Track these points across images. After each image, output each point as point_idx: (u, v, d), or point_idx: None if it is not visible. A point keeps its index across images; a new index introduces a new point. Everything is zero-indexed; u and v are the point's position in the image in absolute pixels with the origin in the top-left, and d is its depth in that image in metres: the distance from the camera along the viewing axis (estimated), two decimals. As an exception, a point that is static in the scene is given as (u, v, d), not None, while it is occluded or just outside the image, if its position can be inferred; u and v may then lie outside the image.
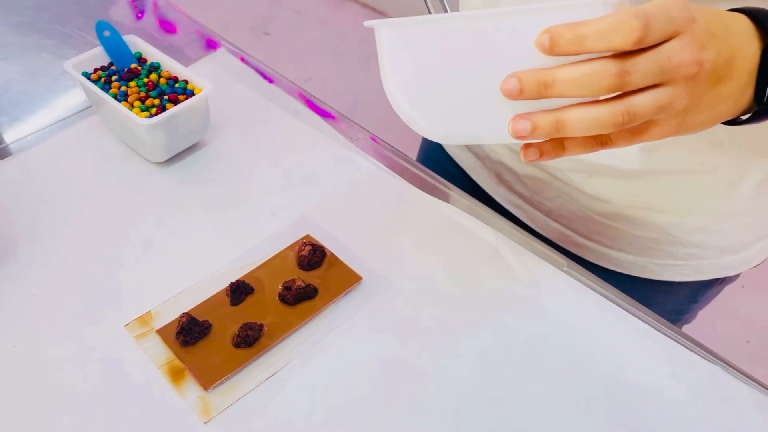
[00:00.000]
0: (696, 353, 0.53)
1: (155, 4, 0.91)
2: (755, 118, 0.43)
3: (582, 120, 0.37)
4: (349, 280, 0.57)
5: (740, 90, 0.41)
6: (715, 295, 0.75)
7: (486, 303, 0.56)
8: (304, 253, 0.58)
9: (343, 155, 0.69)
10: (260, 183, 0.66)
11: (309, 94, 0.76)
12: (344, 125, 0.73)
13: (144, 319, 0.55)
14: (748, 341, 1.49)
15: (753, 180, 0.62)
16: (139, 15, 0.88)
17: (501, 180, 0.74)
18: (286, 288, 0.55)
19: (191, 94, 0.66)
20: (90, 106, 0.73)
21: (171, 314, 0.55)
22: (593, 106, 0.37)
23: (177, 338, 0.52)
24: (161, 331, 0.53)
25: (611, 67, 0.36)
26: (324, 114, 0.74)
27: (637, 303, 0.56)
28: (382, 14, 2.32)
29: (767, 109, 0.42)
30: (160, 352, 0.52)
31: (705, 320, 0.79)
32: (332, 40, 2.25)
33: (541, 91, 0.37)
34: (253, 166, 0.68)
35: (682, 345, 0.53)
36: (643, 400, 0.50)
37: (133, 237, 0.61)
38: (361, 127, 0.73)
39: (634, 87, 0.36)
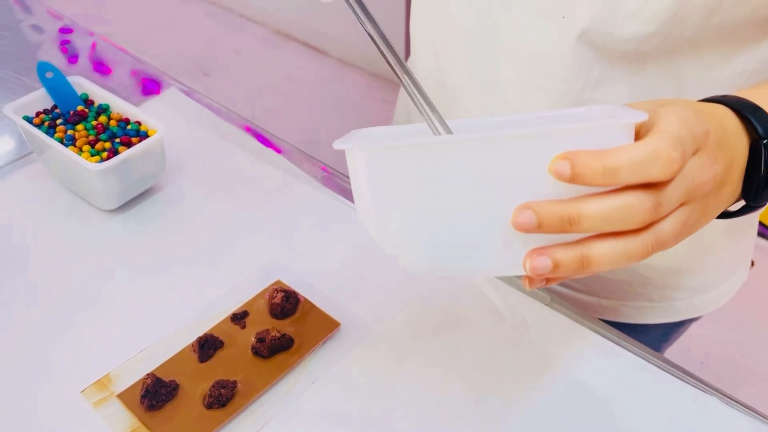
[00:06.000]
0: (689, 383, 0.52)
1: (94, 45, 0.86)
2: (744, 211, 0.43)
3: (610, 255, 0.34)
4: (326, 327, 0.53)
5: (737, 190, 0.40)
6: (683, 333, 0.75)
7: (474, 342, 0.53)
8: (277, 300, 0.54)
9: (307, 193, 0.66)
10: (222, 227, 0.62)
11: (263, 129, 0.73)
12: (304, 162, 0.70)
13: (102, 383, 0.50)
14: (702, 363, 1.53)
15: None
16: (72, 59, 0.83)
17: None
18: (260, 340, 0.51)
19: (145, 135, 0.62)
20: (27, 154, 0.68)
21: (133, 376, 0.50)
22: (621, 239, 0.34)
23: (142, 402, 0.48)
24: (123, 395, 0.48)
25: (646, 201, 0.33)
26: (277, 150, 0.71)
27: (626, 336, 0.55)
28: (323, 53, 2.31)
29: (755, 204, 0.41)
30: (123, 419, 0.47)
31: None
32: (273, 80, 2.22)
33: (565, 227, 0.33)
34: (212, 210, 0.64)
35: (678, 377, 0.52)
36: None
37: (84, 293, 0.56)
38: (325, 164, 0.70)
39: (664, 215, 0.34)
